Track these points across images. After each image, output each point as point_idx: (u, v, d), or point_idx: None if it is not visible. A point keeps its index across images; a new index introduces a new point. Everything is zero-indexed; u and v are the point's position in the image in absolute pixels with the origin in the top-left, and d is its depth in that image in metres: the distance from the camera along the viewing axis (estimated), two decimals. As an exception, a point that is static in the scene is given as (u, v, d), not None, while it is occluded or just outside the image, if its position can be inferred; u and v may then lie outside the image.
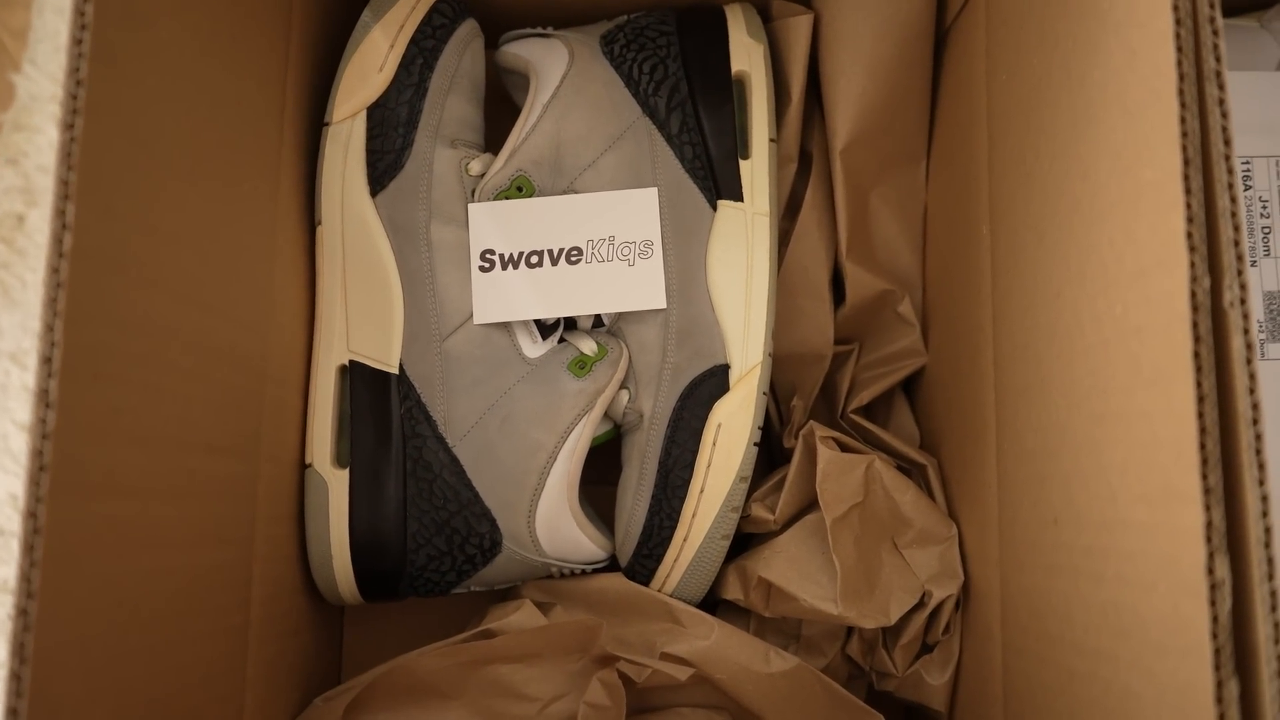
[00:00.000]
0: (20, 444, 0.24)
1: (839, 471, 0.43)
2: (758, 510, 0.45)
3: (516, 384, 0.43)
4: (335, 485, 0.42)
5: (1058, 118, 0.34)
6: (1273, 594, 0.24)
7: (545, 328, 0.44)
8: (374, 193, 0.43)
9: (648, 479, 0.43)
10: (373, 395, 0.43)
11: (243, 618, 0.38)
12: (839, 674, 0.46)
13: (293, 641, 0.43)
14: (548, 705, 0.42)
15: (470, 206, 0.44)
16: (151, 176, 0.30)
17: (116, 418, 0.28)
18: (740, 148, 0.44)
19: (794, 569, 0.43)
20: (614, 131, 0.44)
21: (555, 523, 0.43)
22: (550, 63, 0.45)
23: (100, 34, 0.26)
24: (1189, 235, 0.25)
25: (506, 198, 0.44)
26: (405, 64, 0.44)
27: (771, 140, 0.45)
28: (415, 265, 0.43)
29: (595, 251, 0.43)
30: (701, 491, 0.43)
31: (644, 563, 0.44)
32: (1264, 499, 0.24)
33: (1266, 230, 0.43)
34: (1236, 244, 0.25)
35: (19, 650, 0.24)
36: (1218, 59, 0.26)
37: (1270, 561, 0.24)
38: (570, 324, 0.45)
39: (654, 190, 0.43)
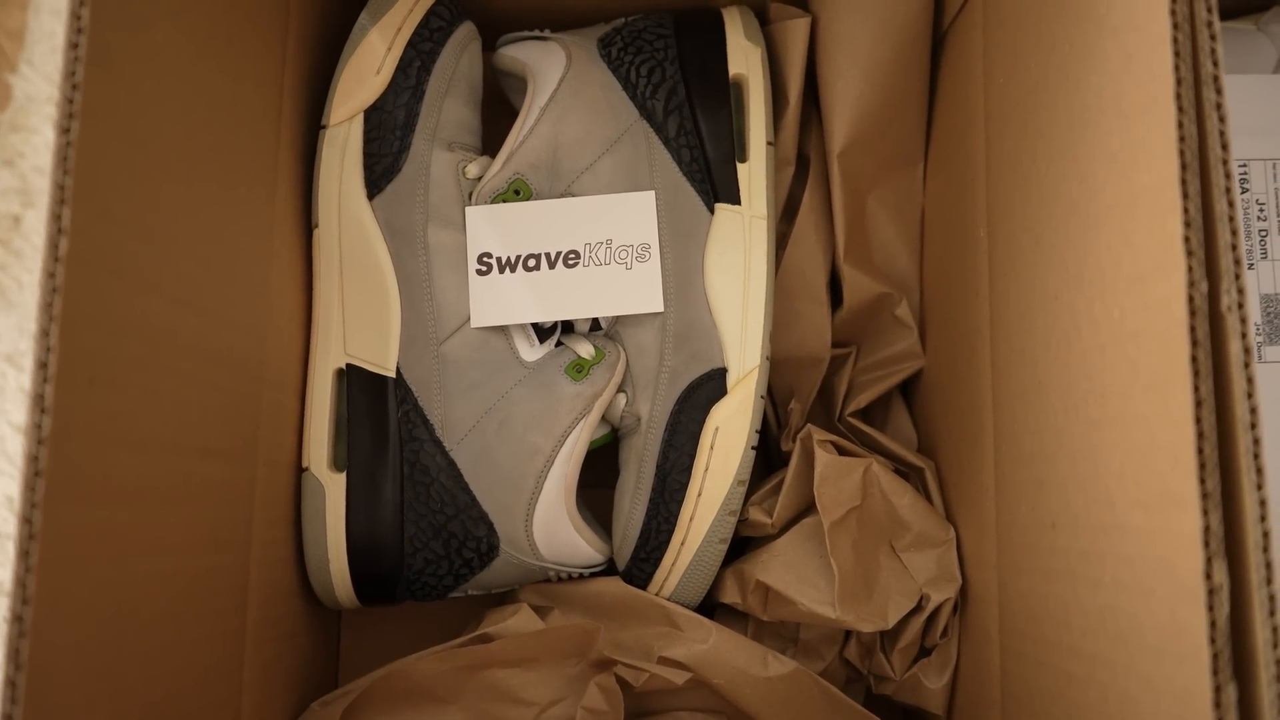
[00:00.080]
0: (16, 446, 0.24)
1: (837, 475, 0.43)
2: (755, 514, 0.45)
3: (514, 387, 0.43)
4: (332, 489, 0.42)
5: (1055, 121, 0.34)
6: (1271, 599, 0.24)
7: (543, 331, 0.44)
8: (371, 196, 0.43)
9: (645, 482, 0.43)
10: (370, 399, 0.43)
11: (239, 622, 0.37)
12: (837, 678, 0.46)
13: (289, 646, 0.43)
14: (545, 710, 0.42)
15: (467, 209, 0.43)
16: (148, 180, 0.30)
17: (112, 422, 0.28)
18: (738, 151, 0.44)
19: (792, 573, 0.43)
20: (611, 134, 0.44)
21: (552, 526, 0.43)
22: (548, 66, 0.45)
23: (96, 37, 0.26)
24: (1186, 240, 0.25)
25: (504, 201, 0.44)
26: (402, 67, 0.44)
27: (769, 143, 0.45)
28: (412, 268, 0.43)
29: (593, 255, 0.43)
30: (699, 495, 0.42)
31: (641, 566, 0.44)
32: (1262, 503, 0.24)
33: (1263, 233, 0.43)
34: (1234, 248, 0.25)
35: (14, 656, 0.23)
36: (1215, 63, 0.26)
37: (1268, 566, 0.24)
38: (568, 327, 0.45)
39: (651, 193, 0.43)
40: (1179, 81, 0.26)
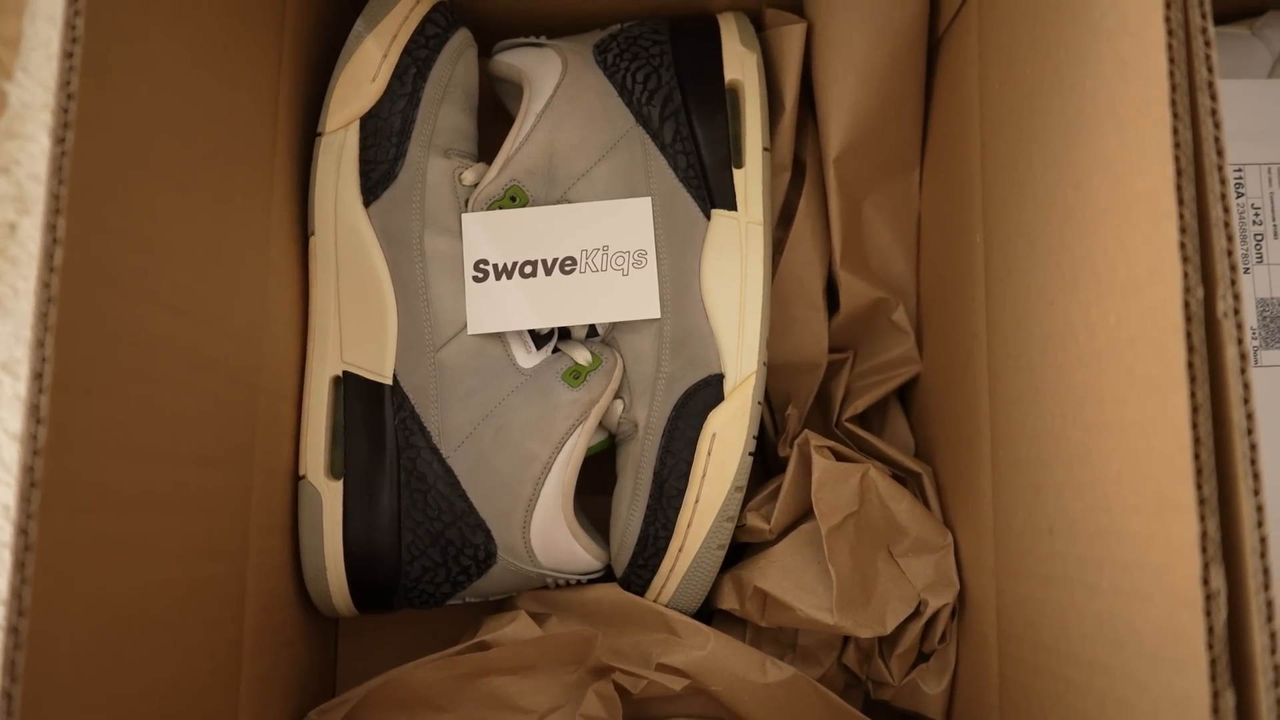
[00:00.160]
0: (12, 454, 0.24)
1: (834, 480, 0.43)
2: (753, 520, 0.45)
3: (511, 394, 0.43)
4: (329, 497, 0.42)
5: (1050, 126, 0.34)
6: (1268, 604, 0.24)
7: (539, 338, 0.44)
8: (367, 203, 0.43)
9: (643, 489, 0.43)
10: (366, 406, 0.43)
11: (236, 631, 0.37)
12: (835, 683, 0.46)
13: (286, 654, 0.43)
14: (543, 717, 0.42)
15: (464, 216, 0.43)
16: (143, 188, 0.30)
17: (108, 431, 0.28)
18: (734, 157, 0.44)
19: (790, 578, 0.43)
20: (607, 141, 0.44)
21: (550, 533, 0.43)
22: (543, 72, 0.45)
23: (92, 46, 0.26)
24: (1182, 246, 0.25)
25: (500, 207, 0.44)
26: (398, 74, 0.44)
27: (765, 149, 0.45)
28: (409, 275, 0.43)
29: (589, 261, 0.43)
30: (696, 501, 0.42)
31: (639, 573, 0.44)
32: (1259, 509, 0.24)
33: (1259, 237, 0.43)
34: (1230, 254, 0.25)
35: (9, 668, 0.23)
36: (1210, 69, 0.26)
37: (1266, 571, 0.24)
38: (564, 334, 0.45)
39: (648, 200, 0.43)
40: (1174, 87, 0.26)
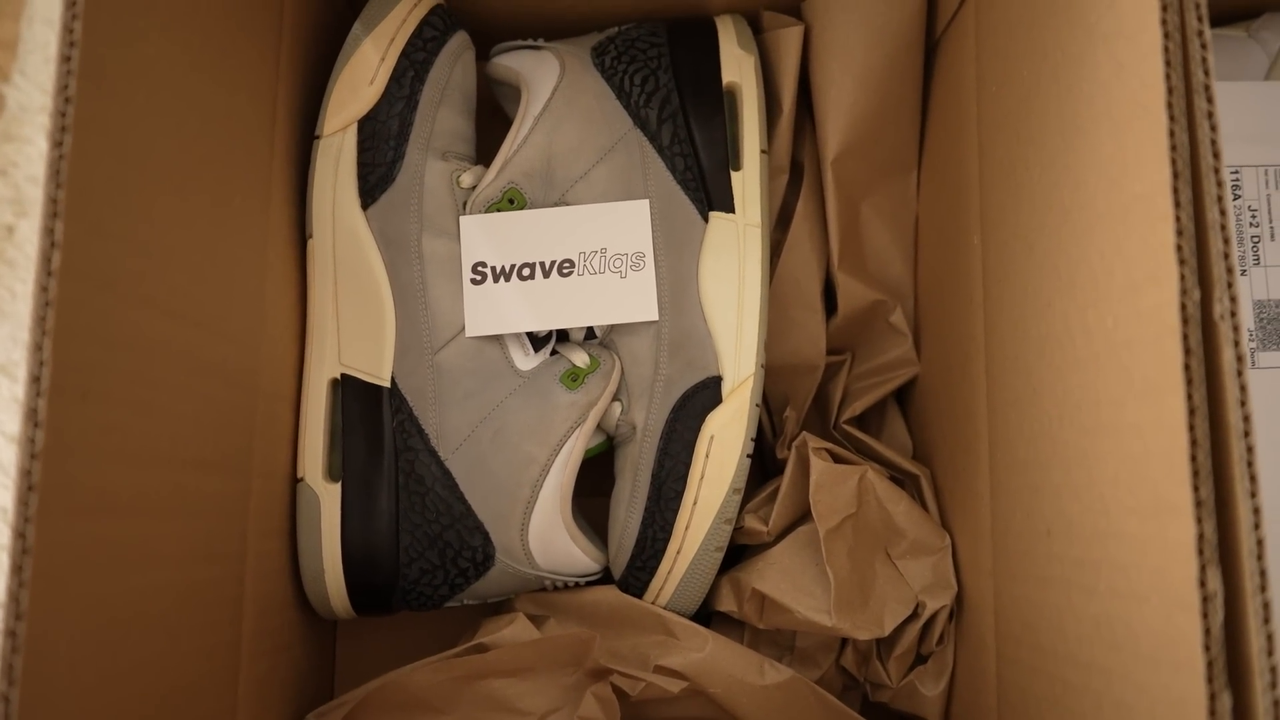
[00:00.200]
0: (10, 457, 0.24)
1: (832, 483, 0.43)
2: (751, 522, 0.45)
3: (509, 396, 0.43)
4: (327, 499, 0.42)
5: (1047, 129, 0.34)
6: (1265, 606, 0.24)
7: (537, 340, 0.44)
8: (365, 206, 0.43)
9: (641, 491, 0.43)
10: (364, 409, 0.43)
11: (234, 633, 0.37)
12: (833, 685, 0.46)
13: (285, 657, 0.43)
14: (541, 719, 0.42)
15: (462, 219, 0.44)
16: (141, 192, 0.30)
17: (106, 435, 0.28)
18: (731, 159, 0.45)
19: (788, 581, 0.43)
20: (605, 143, 0.44)
21: (548, 535, 0.43)
22: (541, 75, 0.45)
23: (89, 50, 0.26)
24: (1179, 248, 0.25)
25: (498, 210, 0.44)
26: (396, 77, 0.44)
27: (763, 151, 0.45)
28: (407, 278, 0.43)
29: (587, 263, 0.43)
30: (695, 503, 0.42)
31: (637, 575, 0.44)
32: (1256, 511, 0.24)
33: (1256, 239, 0.43)
34: (1226, 256, 0.25)
35: (7, 671, 0.23)
36: (1206, 72, 0.26)
37: (1263, 574, 0.24)
38: (562, 336, 0.45)
39: (645, 202, 0.43)
40: (1170, 90, 0.26)
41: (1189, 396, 0.25)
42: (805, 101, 0.48)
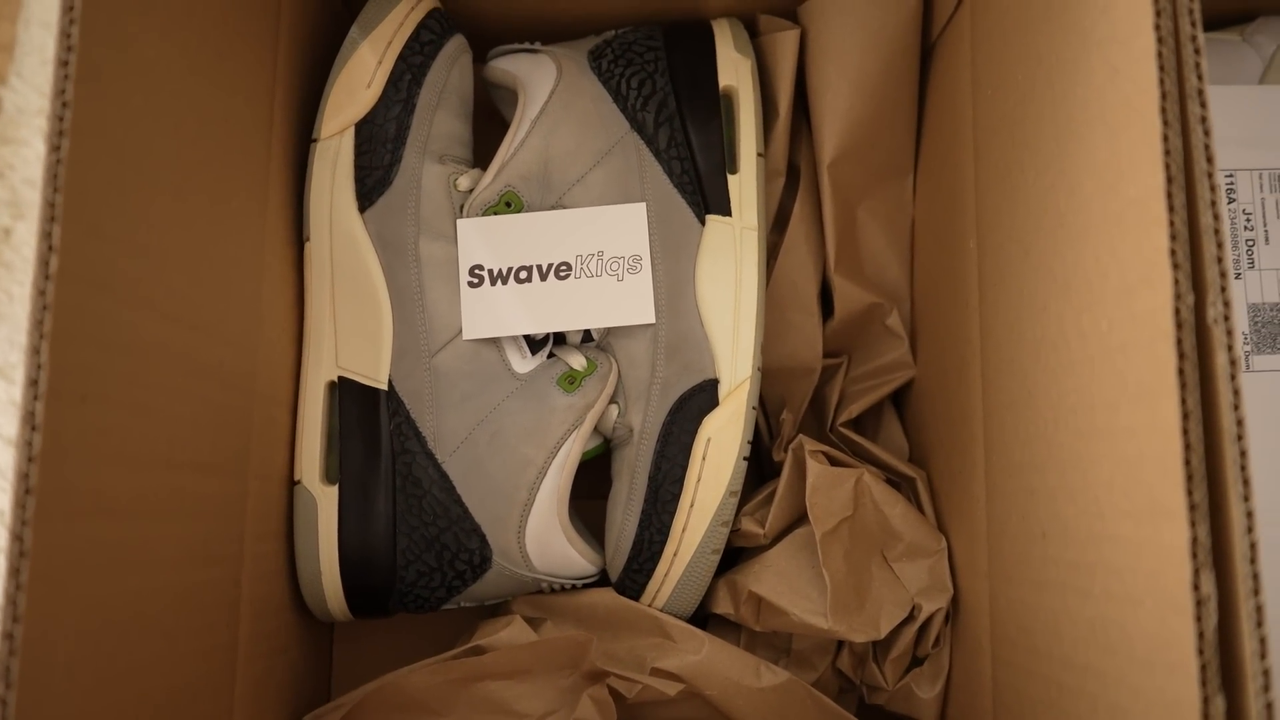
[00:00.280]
0: (8, 459, 0.24)
1: (828, 485, 0.43)
2: (748, 524, 0.45)
3: (506, 399, 0.43)
4: (324, 502, 0.42)
5: (1042, 133, 0.34)
6: (1258, 609, 0.24)
7: (534, 343, 0.44)
8: (362, 209, 0.43)
9: (638, 494, 0.43)
10: (362, 411, 0.43)
11: (231, 636, 0.37)
12: (830, 688, 0.46)
13: (281, 659, 0.43)
14: (538, 722, 0.42)
15: (459, 222, 0.44)
16: (139, 195, 0.30)
17: (104, 438, 0.28)
18: (728, 162, 0.45)
19: (784, 583, 0.43)
20: (602, 147, 0.44)
21: (545, 538, 0.43)
22: (538, 78, 0.45)
23: (86, 54, 0.26)
24: (1172, 253, 0.25)
25: (495, 213, 0.44)
26: (393, 80, 0.44)
27: (759, 155, 0.45)
28: (404, 281, 0.43)
29: (584, 266, 0.43)
30: (691, 506, 0.43)
31: (634, 577, 0.44)
32: (1249, 515, 0.24)
33: (1250, 243, 0.43)
34: (1220, 261, 0.25)
35: (4, 675, 0.23)
36: (1199, 76, 0.26)
37: (1255, 577, 0.24)
38: (559, 339, 0.45)
39: (642, 205, 0.44)
40: (1164, 95, 0.26)
41: (1183, 401, 0.25)
42: (802, 105, 0.49)
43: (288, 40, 0.43)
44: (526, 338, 0.44)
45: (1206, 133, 0.26)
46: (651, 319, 0.43)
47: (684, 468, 0.43)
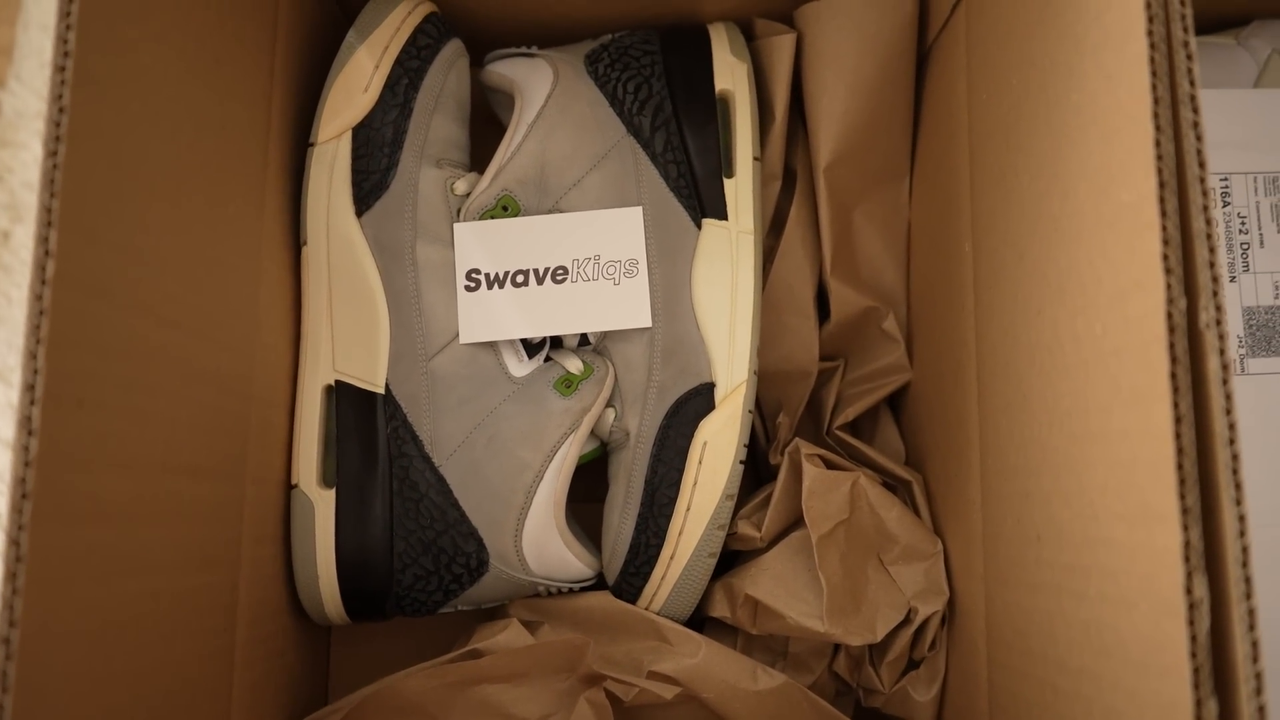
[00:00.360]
0: (4, 463, 0.24)
1: (825, 489, 0.43)
2: (744, 528, 0.45)
3: (503, 403, 0.43)
4: (321, 505, 0.42)
5: (1036, 138, 0.34)
6: (1250, 613, 0.24)
7: (531, 346, 0.44)
8: (359, 213, 0.43)
9: (634, 497, 0.43)
10: (359, 415, 0.43)
11: (228, 640, 0.37)
12: (826, 691, 0.46)
13: (279, 663, 0.43)
14: (535, 725, 0.42)
15: (456, 226, 0.44)
16: (136, 200, 0.30)
17: (100, 443, 0.28)
18: (724, 166, 0.45)
19: (780, 586, 0.43)
20: (599, 150, 0.44)
21: (542, 541, 0.43)
22: (535, 82, 0.45)
23: (83, 59, 0.26)
24: (1165, 257, 0.25)
25: (492, 217, 0.44)
26: (390, 84, 0.44)
27: (755, 158, 0.45)
28: (401, 285, 0.43)
29: (581, 270, 0.43)
30: (688, 509, 0.43)
31: (631, 581, 0.44)
32: (1241, 518, 0.24)
33: (1245, 246, 0.43)
34: (1212, 265, 0.25)
35: (1, 679, 0.23)
36: (1191, 82, 0.26)
37: (1248, 580, 0.24)
38: (556, 342, 0.45)
39: (639, 209, 0.44)
40: (1156, 101, 0.26)
41: (1175, 404, 0.25)
42: (798, 109, 0.49)
43: (285, 45, 0.43)
44: (523, 341, 0.44)
45: (1199, 138, 0.26)
46: (648, 323, 0.43)
47: (680, 471, 0.43)
